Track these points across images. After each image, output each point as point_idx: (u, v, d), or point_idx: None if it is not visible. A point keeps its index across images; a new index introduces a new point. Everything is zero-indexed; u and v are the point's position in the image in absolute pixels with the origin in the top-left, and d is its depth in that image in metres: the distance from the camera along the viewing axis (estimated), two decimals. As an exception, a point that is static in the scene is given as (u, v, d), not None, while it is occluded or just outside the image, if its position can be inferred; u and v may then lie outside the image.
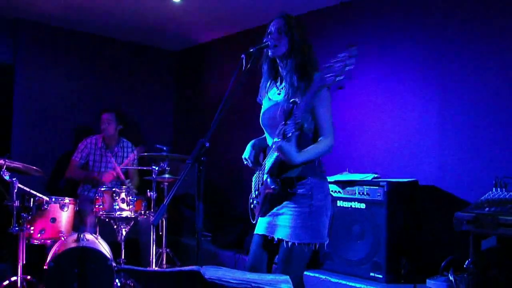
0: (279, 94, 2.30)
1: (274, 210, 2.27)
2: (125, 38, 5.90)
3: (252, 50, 2.10)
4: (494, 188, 2.85)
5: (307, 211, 2.18)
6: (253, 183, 2.43)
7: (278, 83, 2.35)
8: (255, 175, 2.41)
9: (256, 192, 2.36)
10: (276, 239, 2.23)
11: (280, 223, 2.23)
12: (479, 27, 3.47)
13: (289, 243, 2.17)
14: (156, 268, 3.26)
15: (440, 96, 3.66)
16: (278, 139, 2.06)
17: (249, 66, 2.08)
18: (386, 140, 3.97)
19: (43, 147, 5.25)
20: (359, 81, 4.13)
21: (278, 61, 2.30)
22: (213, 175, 5.44)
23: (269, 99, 2.34)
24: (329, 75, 1.76)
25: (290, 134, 1.98)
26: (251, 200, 2.42)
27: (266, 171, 2.22)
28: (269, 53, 2.26)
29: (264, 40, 2.23)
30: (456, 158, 3.54)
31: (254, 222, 2.39)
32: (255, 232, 2.37)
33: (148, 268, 1.23)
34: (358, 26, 4.28)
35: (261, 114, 2.36)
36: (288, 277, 1.49)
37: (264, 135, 2.42)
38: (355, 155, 4.08)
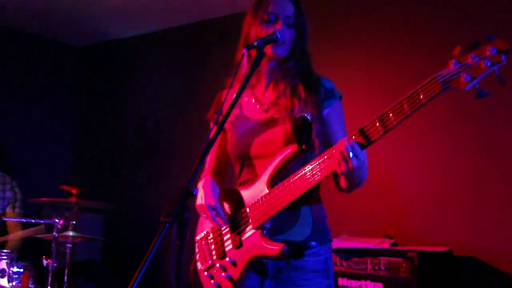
0: (266, 110, 2.12)
1: None
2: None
3: (256, 43, 1.92)
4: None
5: None
6: (200, 244, 2.25)
7: (260, 96, 2.21)
8: (202, 233, 2.21)
9: (212, 261, 2.14)
10: None
11: None
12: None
13: None
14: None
15: (478, 145, 3.59)
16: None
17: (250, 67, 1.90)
18: (399, 197, 3.83)
19: None
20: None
21: (268, 64, 2.14)
22: (123, 231, 5.12)
23: (246, 117, 2.17)
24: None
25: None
26: (201, 268, 2.19)
27: (254, 224, 1.99)
28: (270, 51, 2.05)
29: (273, 31, 2.01)
30: (499, 222, 3.43)
31: None
32: None
33: None
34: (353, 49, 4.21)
35: (235, 140, 2.16)
36: None
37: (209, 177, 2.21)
38: (355, 214, 3.87)
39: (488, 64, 1.53)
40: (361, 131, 1.82)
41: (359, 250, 3.23)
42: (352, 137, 1.83)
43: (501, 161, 3.52)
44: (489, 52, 1.53)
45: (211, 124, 2.24)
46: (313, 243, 2.01)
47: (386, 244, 3.28)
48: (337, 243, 3.30)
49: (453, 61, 1.59)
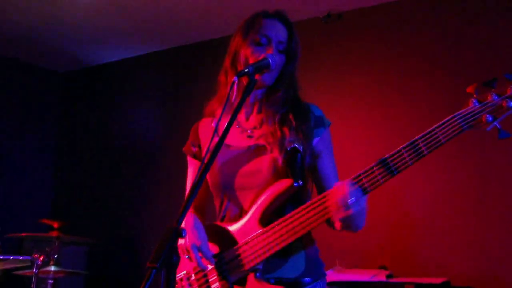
0: (250, 136, 2.05)
1: None
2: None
3: (247, 70, 1.84)
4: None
5: None
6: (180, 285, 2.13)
7: (242, 121, 2.14)
8: (182, 273, 2.08)
9: None
10: None
11: None
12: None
13: None
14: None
15: (474, 175, 3.61)
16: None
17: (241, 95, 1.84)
18: (394, 226, 3.82)
19: None
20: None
21: (254, 91, 2.04)
22: (108, 264, 4.98)
23: (228, 145, 2.07)
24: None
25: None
26: None
27: (247, 266, 1.91)
28: (262, 78, 1.99)
29: (264, 56, 1.94)
30: (496, 251, 3.45)
31: None
32: None
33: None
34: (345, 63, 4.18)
35: (216, 170, 2.05)
36: None
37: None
38: (349, 244, 3.72)
39: (511, 104, 1.54)
40: (372, 170, 1.74)
41: (354, 283, 3.22)
42: (355, 179, 1.76)
43: (497, 192, 3.52)
44: (510, 92, 1.53)
45: (188, 157, 2.19)
46: (307, 279, 1.92)
47: (381, 276, 3.26)
48: (331, 276, 3.28)
49: (473, 100, 1.57)
